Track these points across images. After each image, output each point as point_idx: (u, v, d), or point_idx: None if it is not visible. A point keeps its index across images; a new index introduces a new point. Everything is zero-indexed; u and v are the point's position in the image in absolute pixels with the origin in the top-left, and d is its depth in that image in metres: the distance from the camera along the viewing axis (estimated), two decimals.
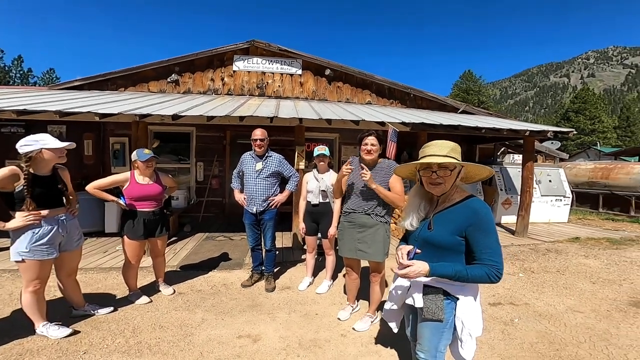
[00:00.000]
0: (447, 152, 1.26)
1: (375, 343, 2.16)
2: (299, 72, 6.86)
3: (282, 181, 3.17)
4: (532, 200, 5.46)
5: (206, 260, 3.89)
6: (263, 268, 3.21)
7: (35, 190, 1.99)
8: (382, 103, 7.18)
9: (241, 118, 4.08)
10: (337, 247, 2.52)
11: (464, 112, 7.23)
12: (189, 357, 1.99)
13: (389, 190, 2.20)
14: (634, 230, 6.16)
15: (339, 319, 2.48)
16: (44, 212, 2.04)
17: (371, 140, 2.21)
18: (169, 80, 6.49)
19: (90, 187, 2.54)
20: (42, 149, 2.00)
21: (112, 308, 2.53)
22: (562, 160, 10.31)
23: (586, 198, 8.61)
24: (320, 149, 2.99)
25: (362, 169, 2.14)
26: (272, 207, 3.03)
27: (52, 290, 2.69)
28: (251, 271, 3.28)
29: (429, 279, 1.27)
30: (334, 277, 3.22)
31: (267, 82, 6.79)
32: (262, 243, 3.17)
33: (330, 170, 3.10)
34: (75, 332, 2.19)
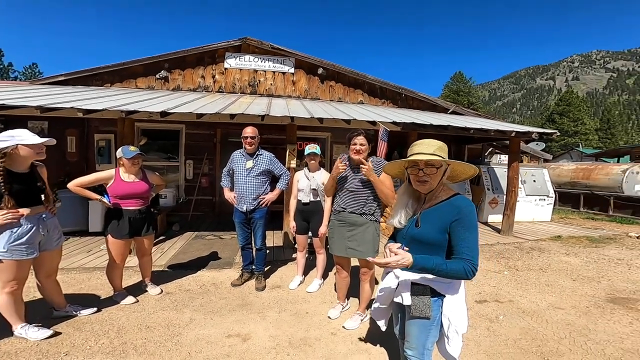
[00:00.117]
0: (433, 150, 1.29)
1: (365, 341, 2.18)
2: (292, 70, 6.82)
3: (273, 179, 3.15)
4: (517, 199, 5.63)
5: (195, 260, 3.84)
6: (253, 267, 3.19)
7: (13, 187, 1.92)
8: (374, 103, 7.23)
9: (232, 116, 4.03)
10: (328, 246, 2.52)
11: (453, 112, 7.36)
12: (177, 357, 1.96)
13: (377, 190, 2.21)
14: (612, 229, 6.42)
15: (329, 317, 2.49)
16: (25, 211, 1.96)
17: (360, 140, 2.22)
18: (157, 76, 6.33)
19: (72, 185, 2.46)
20: (18, 145, 1.92)
21: (95, 309, 2.46)
22: (546, 161, 10.65)
23: (568, 198, 8.92)
24: (311, 148, 2.99)
25: (353, 167, 2.15)
26: (263, 205, 3.01)
27: (32, 291, 2.60)
28: (241, 270, 3.26)
29: (417, 277, 1.29)
30: (324, 275, 3.23)
31: (259, 80, 6.73)
32: (253, 242, 3.15)
33: (321, 169, 3.10)
34: (56, 334, 2.12)
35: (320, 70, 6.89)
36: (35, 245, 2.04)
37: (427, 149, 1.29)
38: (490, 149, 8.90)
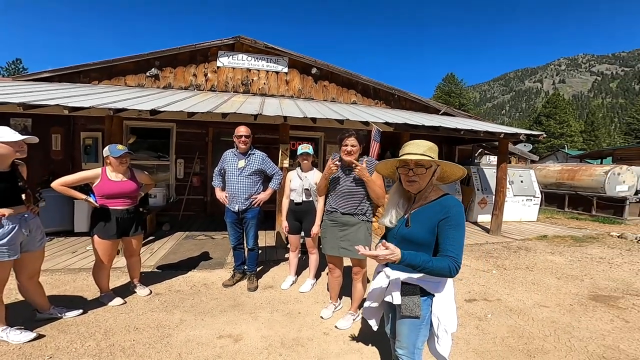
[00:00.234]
0: (423, 151, 1.31)
1: (357, 341, 2.19)
2: (285, 70, 6.79)
3: (266, 179, 3.13)
4: (505, 200, 5.75)
5: (186, 260, 3.78)
6: (245, 267, 3.17)
7: None
8: (367, 103, 7.27)
9: (224, 115, 3.99)
10: (321, 246, 2.53)
11: (445, 113, 7.47)
12: (167, 358, 1.93)
13: (369, 189, 2.23)
14: (595, 229, 6.64)
15: (321, 317, 2.50)
16: (6, 211, 1.90)
17: (351, 141, 2.22)
18: (148, 74, 6.20)
19: (56, 184, 2.38)
20: None
21: (81, 310, 2.40)
22: (533, 162, 10.92)
23: (554, 198, 9.17)
24: (304, 148, 2.98)
25: (345, 168, 2.15)
26: (255, 205, 2.99)
27: (14, 293, 2.51)
28: (233, 270, 3.23)
29: (407, 276, 1.31)
30: (317, 275, 3.23)
31: (252, 79, 6.67)
32: (245, 242, 3.12)
33: (314, 169, 3.10)
34: (39, 337, 2.06)
35: (314, 70, 6.88)
36: (17, 246, 1.98)
37: (418, 150, 1.31)
38: (480, 150, 9.07)
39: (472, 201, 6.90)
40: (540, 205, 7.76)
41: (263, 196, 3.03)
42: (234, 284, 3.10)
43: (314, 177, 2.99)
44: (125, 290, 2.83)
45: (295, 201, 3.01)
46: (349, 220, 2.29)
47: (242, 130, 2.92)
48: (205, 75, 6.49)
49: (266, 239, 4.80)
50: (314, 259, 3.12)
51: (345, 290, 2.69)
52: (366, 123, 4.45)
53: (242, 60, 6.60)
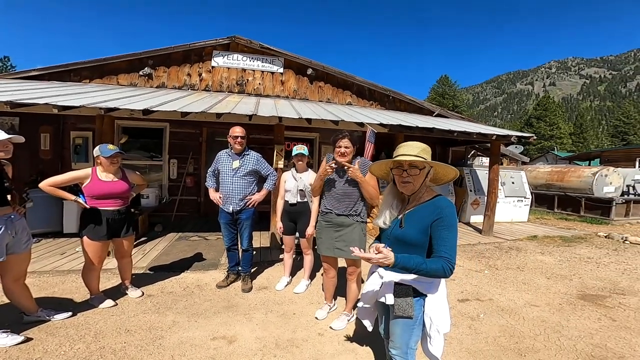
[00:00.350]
0: (417, 152, 1.32)
1: (352, 341, 2.19)
2: (281, 70, 6.78)
3: (260, 180, 3.12)
4: (497, 201, 5.84)
5: (178, 261, 3.74)
6: (239, 268, 3.15)
7: None
8: (362, 104, 7.30)
9: (218, 115, 3.95)
10: (316, 247, 2.53)
11: (439, 115, 7.55)
12: None
13: (363, 190, 2.24)
14: (583, 229, 6.80)
15: (316, 318, 2.50)
16: None
17: (345, 143, 2.23)
18: (141, 73, 6.11)
19: (44, 184, 2.33)
20: None
21: (70, 313, 2.35)
22: (524, 163, 11.13)
23: (544, 199, 9.35)
24: (299, 148, 2.98)
25: (339, 169, 2.16)
26: (250, 206, 2.98)
27: None
28: (227, 272, 3.20)
29: (400, 277, 1.32)
30: (312, 276, 3.23)
31: (248, 80, 6.64)
32: (239, 242, 3.10)
33: (309, 169, 3.10)
34: (27, 340, 2.02)
35: (309, 71, 6.88)
36: (3, 248, 1.93)
37: (412, 151, 1.32)
38: (472, 152, 9.20)
39: (465, 202, 6.99)
40: (531, 206, 7.90)
41: (257, 197, 3.01)
42: (228, 285, 3.08)
43: (309, 178, 2.99)
44: (117, 292, 2.79)
45: (290, 202, 3.00)
46: (344, 221, 2.30)
47: (237, 130, 2.90)
48: (200, 75, 6.43)
49: (260, 240, 4.78)
50: (308, 259, 3.12)
51: (340, 290, 2.70)
52: (361, 124, 4.47)
53: (237, 60, 6.56)
